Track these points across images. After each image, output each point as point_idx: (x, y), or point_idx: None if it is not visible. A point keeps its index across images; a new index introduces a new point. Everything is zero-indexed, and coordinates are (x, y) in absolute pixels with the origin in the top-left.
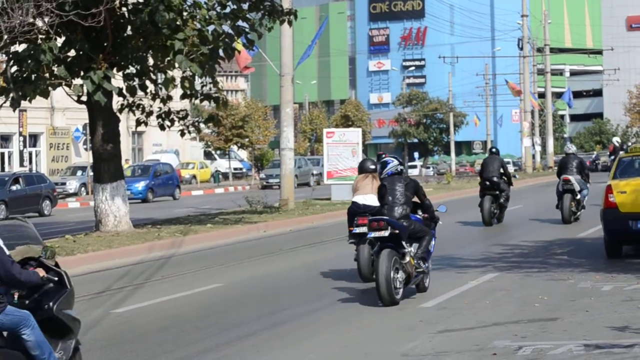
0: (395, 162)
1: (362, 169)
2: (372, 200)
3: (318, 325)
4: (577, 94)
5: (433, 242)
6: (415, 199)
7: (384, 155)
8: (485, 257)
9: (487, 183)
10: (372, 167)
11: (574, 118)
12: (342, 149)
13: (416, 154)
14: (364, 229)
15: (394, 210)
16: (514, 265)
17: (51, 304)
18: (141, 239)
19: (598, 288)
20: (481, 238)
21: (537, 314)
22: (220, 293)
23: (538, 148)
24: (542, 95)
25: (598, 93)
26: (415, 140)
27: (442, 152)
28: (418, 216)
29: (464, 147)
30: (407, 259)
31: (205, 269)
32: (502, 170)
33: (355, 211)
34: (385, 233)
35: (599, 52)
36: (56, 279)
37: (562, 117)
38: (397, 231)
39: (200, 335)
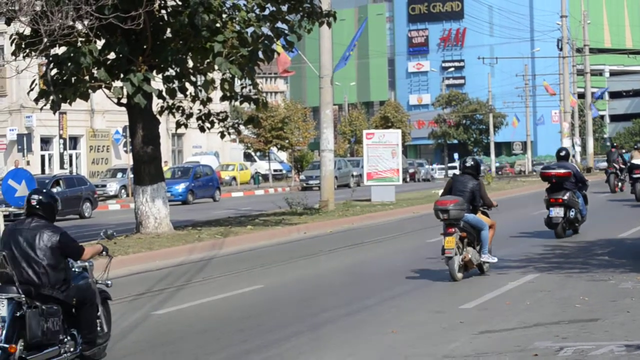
0: None
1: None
2: None
3: (359, 327)
4: (617, 94)
5: None
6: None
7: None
8: (525, 257)
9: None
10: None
11: (614, 118)
12: (382, 150)
13: (456, 155)
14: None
15: None
16: (555, 266)
17: None
18: (182, 241)
19: (639, 289)
20: (522, 238)
21: (578, 314)
22: (261, 295)
23: (578, 149)
24: (581, 96)
25: (638, 93)
26: (455, 141)
27: (482, 153)
28: None
29: (503, 147)
30: None
31: (246, 271)
32: None
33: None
34: None
35: (639, 52)
36: None
37: (602, 117)
38: None
39: (241, 337)
